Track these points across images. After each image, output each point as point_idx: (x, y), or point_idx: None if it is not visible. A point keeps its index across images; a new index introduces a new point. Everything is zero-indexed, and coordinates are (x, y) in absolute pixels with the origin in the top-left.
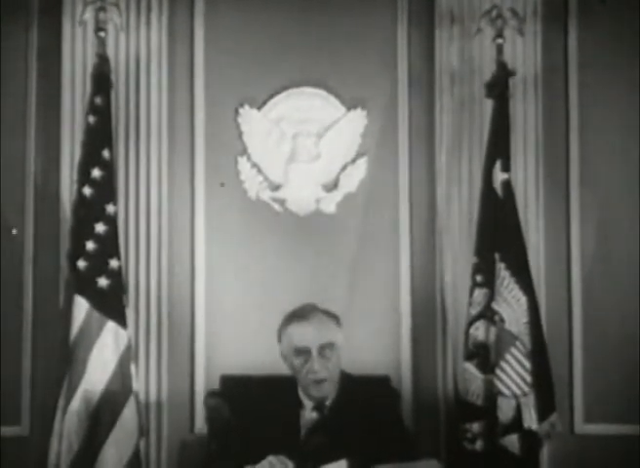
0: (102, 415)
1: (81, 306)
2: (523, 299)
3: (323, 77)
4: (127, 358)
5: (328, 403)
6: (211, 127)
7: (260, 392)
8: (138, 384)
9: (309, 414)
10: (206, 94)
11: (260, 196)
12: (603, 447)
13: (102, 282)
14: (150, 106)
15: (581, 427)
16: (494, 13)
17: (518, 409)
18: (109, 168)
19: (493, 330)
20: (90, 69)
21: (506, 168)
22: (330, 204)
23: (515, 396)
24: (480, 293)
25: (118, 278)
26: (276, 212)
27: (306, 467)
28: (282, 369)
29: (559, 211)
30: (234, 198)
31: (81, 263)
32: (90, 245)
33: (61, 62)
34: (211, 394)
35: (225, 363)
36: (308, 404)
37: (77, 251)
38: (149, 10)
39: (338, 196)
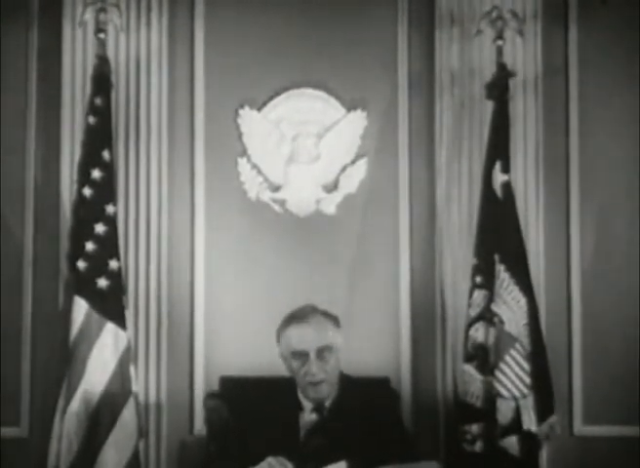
0: (102, 416)
1: (81, 307)
2: (523, 301)
3: (323, 78)
4: (126, 359)
5: (327, 404)
6: (211, 128)
7: (260, 393)
8: (137, 385)
9: (309, 416)
10: (206, 95)
11: (260, 197)
12: (602, 448)
13: (102, 283)
14: (150, 107)
15: (581, 429)
16: (494, 14)
17: (517, 411)
18: (109, 168)
19: (492, 331)
20: (90, 70)
21: (506, 169)
22: (330, 205)
23: (514, 398)
24: (480, 295)
25: (118, 279)
26: (276, 212)
27: None
28: (281, 370)
29: (559, 212)
30: (234, 199)
31: (81, 264)
32: (89, 245)
33: (62, 63)
34: (210, 395)
35: (225, 364)
36: (308, 405)
37: (77, 251)
38: (149, 11)
39: (338, 197)
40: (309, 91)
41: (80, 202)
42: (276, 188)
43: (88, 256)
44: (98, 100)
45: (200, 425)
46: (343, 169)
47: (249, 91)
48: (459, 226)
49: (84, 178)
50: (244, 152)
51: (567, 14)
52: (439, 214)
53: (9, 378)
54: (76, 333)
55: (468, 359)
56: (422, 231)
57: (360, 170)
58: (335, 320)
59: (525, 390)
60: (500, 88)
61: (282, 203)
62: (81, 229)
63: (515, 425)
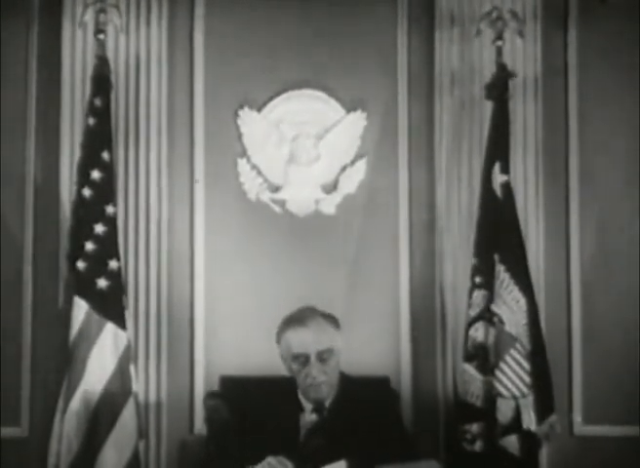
0: (102, 416)
1: (80, 307)
2: (522, 301)
3: (323, 79)
4: (126, 359)
5: (327, 404)
6: (210, 128)
7: (260, 393)
8: (137, 385)
9: (309, 415)
10: (206, 95)
11: (260, 197)
12: (602, 448)
13: (102, 283)
14: (150, 108)
15: (580, 428)
16: (493, 14)
17: (517, 411)
18: (109, 169)
19: (492, 331)
20: (90, 71)
21: (506, 169)
22: (329, 205)
23: (514, 397)
24: (479, 295)
25: (117, 279)
26: (276, 213)
27: None
28: (281, 370)
29: (559, 212)
30: (234, 199)
31: (80, 264)
32: (89, 246)
33: (61, 64)
34: (210, 395)
35: (225, 364)
36: (308, 405)
37: (76, 252)
38: (149, 12)
39: (337, 197)
40: (309, 91)
41: (80, 202)
42: (276, 189)
43: (88, 257)
44: (97, 101)
45: (200, 425)
46: (343, 169)
47: (248, 91)
48: (458, 226)
49: (84, 179)
50: (244, 153)
51: (567, 14)
52: (439, 215)
53: (9, 378)
54: (76, 334)
55: (468, 358)
56: (422, 231)
57: (360, 170)
58: (334, 322)
59: (525, 390)
60: (499, 88)
61: (282, 203)
62: (81, 229)
63: (515, 425)
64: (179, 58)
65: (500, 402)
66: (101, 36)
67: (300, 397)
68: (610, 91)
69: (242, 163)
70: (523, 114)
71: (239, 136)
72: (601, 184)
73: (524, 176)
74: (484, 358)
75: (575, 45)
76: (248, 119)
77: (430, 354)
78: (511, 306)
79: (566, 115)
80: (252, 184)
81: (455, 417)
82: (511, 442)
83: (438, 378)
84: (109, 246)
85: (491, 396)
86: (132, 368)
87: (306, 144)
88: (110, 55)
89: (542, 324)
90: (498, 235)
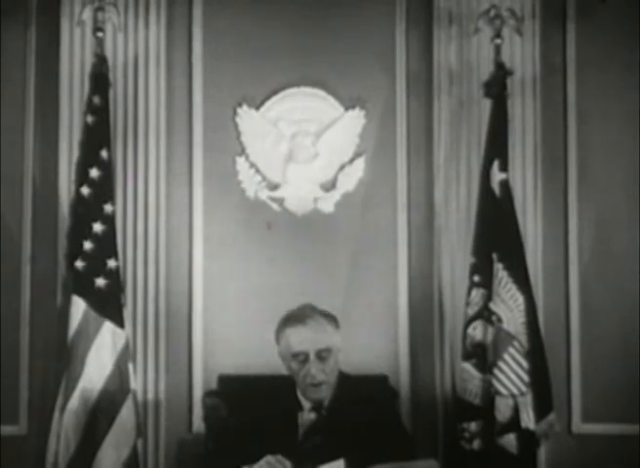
0: (100, 415)
1: (79, 306)
2: (521, 299)
3: (321, 77)
4: (125, 357)
5: (326, 403)
6: (209, 126)
7: (258, 392)
8: (135, 384)
9: (307, 414)
10: (204, 93)
11: (259, 195)
12: (601, 446)
13: (100, 282)
14: (148, 106)
15: (579, 427)
16: (492, 13)
17: (516, 409)
18: (107, 168)
19: (490, 329)
20: (88, 69)
21: (504, 167)
22: (328, 203)
23: (513, 395)
24: (478, 293)
25: (116, 278)
26: (274, 211)
27: (304, 467)
28: (280, 368)
29: (557, 210)
30: (232, 198)
31: (79, 263)
32: (88, 245)
33: (60, 62)
34: (208, 394)
35: (223, 362)
36: (306, 404)
37: (75, 250)
38: (148, 10)
39: (336, 196)
40: (308, 89)
41: (78, 201)
42: (274, 187)
43: (86, 256)
44: (96, 99)
45: (198, 423)
46: (342, 167)
47: (247, 89)
48: (457, 225)
49: (82, 178)
50: (242, 151)
51: (565, 12)
52: (437, 213)
53: (7, 377)
54: (74, 332)
55: (467, 357)
56: (421, 229)
57: (358, 168)
58: (334, 320)
59: (523, 388)
60: (498, 86)
61: (280, 201)
62: (79, 228)
63: (514, 423)
64: (177, 57)
65: (498, 400)
66: (100, 34)
67: (299, 396)
68: (608, 89)
69: (240, 161)
70: (521, 112)
71: (238, 134)
72: (599, 182)
73: (522, 174)
74: (482, 356)
75: (573, 43)
76: (246, 117)
77: (429, 352)
78: (510, 305)
79: (564, 113)
80: (250, 182)
81: (453, 416)
82: (510, 440)
83: (437, 377)
84: (108, 245)
85: (489, 394)
86: (130, 366)
87: (305, 142)
88: (109, 53)
89: (541, 322)
90: (496, 233)
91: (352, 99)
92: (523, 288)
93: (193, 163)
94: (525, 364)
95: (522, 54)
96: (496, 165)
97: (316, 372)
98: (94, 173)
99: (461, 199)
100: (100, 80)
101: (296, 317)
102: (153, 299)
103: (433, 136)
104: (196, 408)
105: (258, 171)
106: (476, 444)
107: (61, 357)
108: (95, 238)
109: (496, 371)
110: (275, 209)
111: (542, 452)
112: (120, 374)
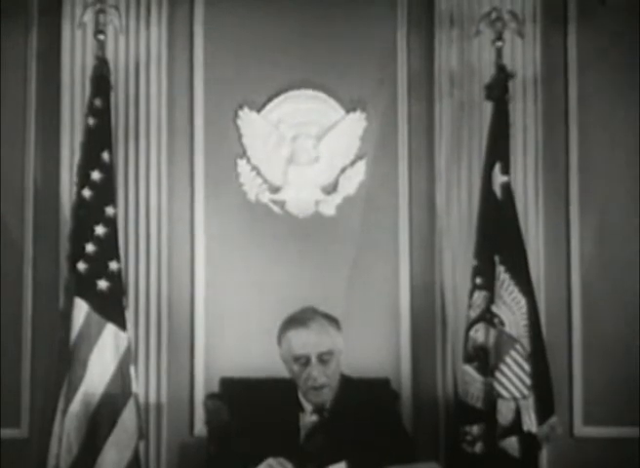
0: (102, 418)
1: (81, 308)
2: (523, 302)
3: (322, 79)
4: (127, 360)
5: (328, 405)
6: (210, 129)
7: (260, 394)
8: (137, 386)
9: (309, 417)
10: (205, 96)
11: (260, 198)
12: (602, 449)
13: (102, 284)
14: (150, 109)
15: (581, 430)
16: (493, 15)
17: (518, 412)
18: (109, 170)
19: (492, 332)
20: (89, 72)
21: (506, 170)
22: (329, 206)
23: (515, 399)
24: (480, 296)
25: (118, 280)
26: (276, 214)
27: None
28: (282, 371)
29: (559, 213)
30: (234, 200)
31: (81, 266)
32: (89, 247)
33: (61, 65)
34: (210, 396)
35: (225, 365)
36: (308, 406)
37: (77, 253)
38: (149, 12)
39: (337, 198)
40: (309, 92)
41: (80, 203)
42: (276, 190)
43: (88, 258)
44: (97, 102)
45: (200, 426)
46: (343, 170)
47: (248, 92)
48: (458, 227)
49: (84, 180)
50: (243, 153)
51: (566, 15)
52: (439, 216)
53: (9, 379)
54: (76, 335)
55: (468, 360)
56: (422, 232)
57: (359, 171)
58: (335, 323)
59: (525, 391)
60: (499, 89)
61: (281, 204)
62: (81, 231)
63: (515, 426)
64: (178, 59)
65: (500, 403)
66: (101, 37)
67: (301, 398)
68: (610, 91)
69: (242, 164)
70: (523, 115)
71: (239, 136)
72: (602, 185)
73: (524, 177)
74: (484, 359)
75: (574, 45)
76: (247, 120)
77: (430, 355)
78: (512, 307)
79: (566, 116)
80: (251, 185)
81: (455, 419)
82: (511, 443)
83: (438, 380)
84: (110, 247)
85: (491, 397)
86: (132, 369)
87: (306, 145)
88: (110, 55)
89: (543, 325)
90: (498, 236)
91: (353, 102)
92: (525, 290)
93: (194, 165)
94: (527, 367)
95: (523, 56)
96: (497, 167)
97: (318, 375)
98: (95, 175)
99: (463, 202)
100: (101, 82)
101: (297, 320)
102: (155, 302)
103: (434, 138)
104: (198, 410)
105: (259, 173)
106: (478, 447)
107: (63, 360)
108: (96, 240)
109: (497, 374)
110: (276, 211)
111: (544, 455)
112: (122, 377)
